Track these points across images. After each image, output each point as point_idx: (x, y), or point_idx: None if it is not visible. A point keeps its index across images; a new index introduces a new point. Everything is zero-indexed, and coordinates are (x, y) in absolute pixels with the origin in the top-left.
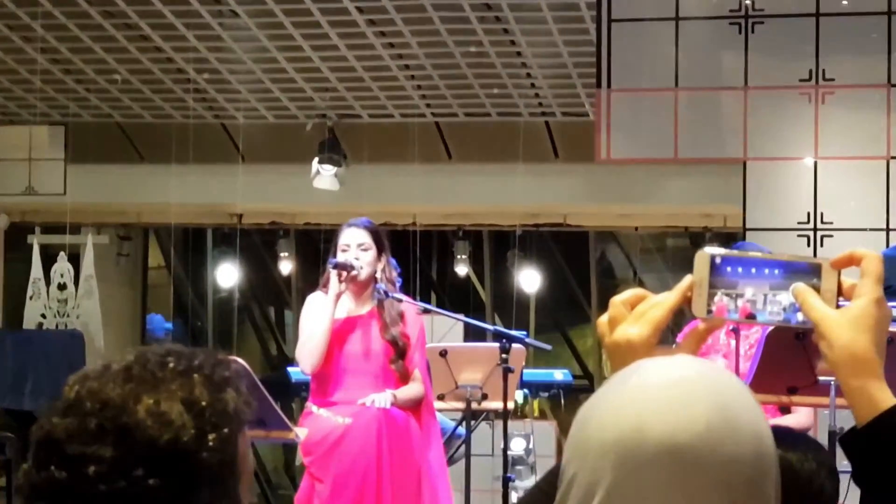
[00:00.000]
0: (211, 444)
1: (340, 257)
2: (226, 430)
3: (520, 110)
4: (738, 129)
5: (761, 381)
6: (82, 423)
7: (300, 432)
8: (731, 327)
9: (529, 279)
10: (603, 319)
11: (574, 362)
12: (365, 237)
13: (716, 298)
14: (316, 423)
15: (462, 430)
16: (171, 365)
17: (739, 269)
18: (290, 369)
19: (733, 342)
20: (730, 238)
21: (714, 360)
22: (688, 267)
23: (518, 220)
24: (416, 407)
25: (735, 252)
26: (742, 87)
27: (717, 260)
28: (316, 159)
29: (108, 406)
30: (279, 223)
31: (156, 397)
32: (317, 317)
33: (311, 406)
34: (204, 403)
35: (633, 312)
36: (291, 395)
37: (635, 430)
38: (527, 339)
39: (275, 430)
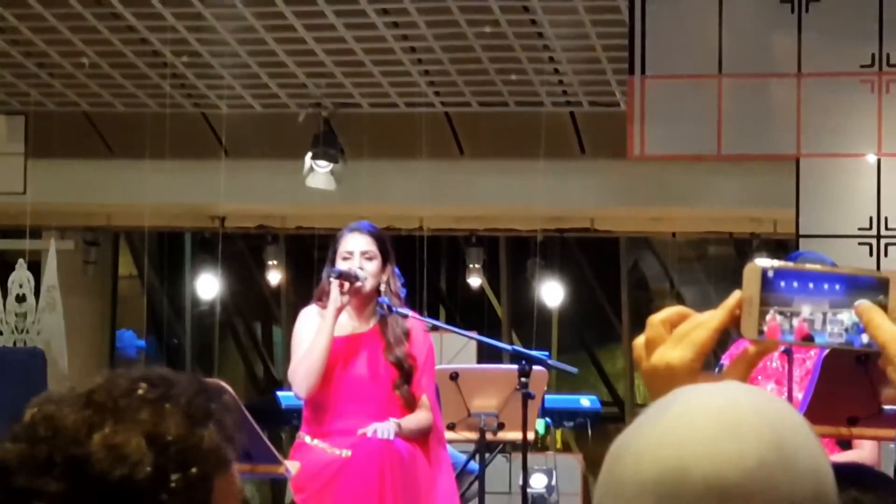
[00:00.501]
0: (173, 485)
1: (342, 266)
2: (194, 470)
3: (541, 99)
4: (791, 122)
5: (817, 411)
6: (33, 450)
7: (291, 466)
8: (783, 349)
9: (552, 292)
10: (639, 341)
11: (602, 387)
12: (370, 244)
13: (768, 317)
14: (309, 456)
15: (475, 464)
16: (140, 392)
17: (795, 284)
18: (279, 394)
19: (787, 366)
20: (780, 246)
21: (764, 388)
22: (732, 278)
23: (539, 225)
24: (423, 438)
25: (790, 264)
26: (795, 73)
27: (770, 273)
28: (309, 154)
29: (61, 434)
30: (267, 227)
31: (113, 428)
32: (313, 333)
33: (303, 436)
34: (170, 438)
35: (674, 333)
36: (281, 424)
37: (677, 466)
38: (549, 361)
39: (262, 463)
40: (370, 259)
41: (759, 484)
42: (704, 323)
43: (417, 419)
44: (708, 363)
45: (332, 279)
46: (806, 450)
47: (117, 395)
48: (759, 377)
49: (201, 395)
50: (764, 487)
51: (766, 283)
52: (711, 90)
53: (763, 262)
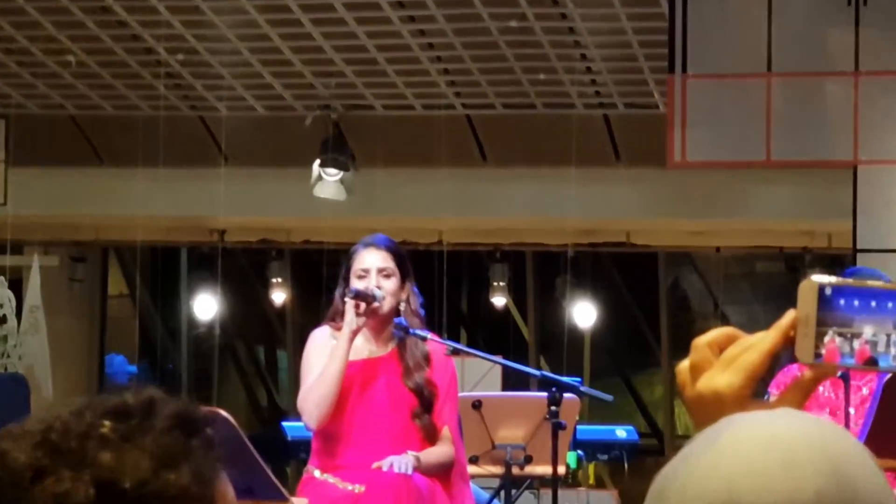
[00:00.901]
0: None
1: (358, 285)
2: None
3: (572, 101)
4: (848, 125)
5: (877, 442)
6: None
7: (299, 503)
8: (838, 374)
9: (584, 312)
10: (683, 366)
11: (640, 417)
12: (387, 260)
13: (826, 339)
14: (319, 492)
15: (499, 502)
16: (104, 430)
17: (856, 303)
18: (285, 424)
19: (840, 393)
20: (835, 261)
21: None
22: (782, 297)
23: (570, 239)
24: (444, 473)
25: (850, 281)
26: (852, 72)
27: (828, 291)
28: (317, 162)
29: (7, 477)
30: (271, 241)
31: (62, 475)
32: (326, 357)
33: (312, 470)
34: (126, 486)
35: (722, 357)
36: (287, 457)
37: (726, 501)
38: (581, 388)
39: (266, 499)
40: (388, 277)
41: None
42: (755, 346)
43: (438, 452)
44: (757, 392)
45: (347, 300)
46: (867, 483)
47: (75, 435)
48: (814, 406)
49: (178, 430)
50: None
51: (824, 301)
52: (760, 91)
53: (821, 278)
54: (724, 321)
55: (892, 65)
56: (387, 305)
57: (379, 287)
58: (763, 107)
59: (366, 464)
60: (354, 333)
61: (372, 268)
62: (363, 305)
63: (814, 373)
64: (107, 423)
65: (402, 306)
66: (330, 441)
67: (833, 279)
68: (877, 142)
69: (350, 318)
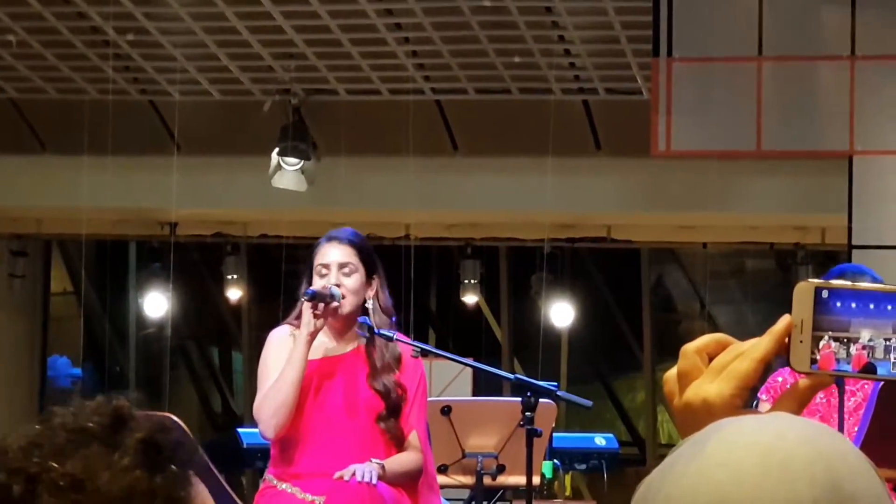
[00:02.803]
0: None
1: (317, 284)
2: None
3: (550, 86)
4: (843, 113)
5: (872, 449)
6: None
7: None
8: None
9: (561, 312)
10: (671, 374)
11: (620, 424)
12: (350, 256)
13: (822, 344)
14: (277, 503)
15: None
16: (54, 475)
17: (853, 305)
18: (240, 430)
19: (833, 400)
20: (829, 258)
21: None
22: (772, 297)
23: (546, 234)
24: (411, 483)
25: (848, 284)
26: (848, 56)
27: (825, 294)
28: (276, 150)
29: None
30: (226, 235)
31: None
32: (284, 361)
33: (270, 479)
34: None
35: (712, 365)
36: (242, 465)
37: None
38: (558, 392)
39: None
40: (349, 274)
41: None
42: (747, 353)
43: (405, 460)
44: (747, 401)
45: (304, 301)
46: (867, 494)
47: (24, 478)
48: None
49: (142, 466)
50: None
51: (820, 304)
52: (750, 76)
53: (816, 280)
54: (711, 322)
55: (890, 49)
56: (348, 305)
57: (338, 285)
58: (753, 93)
59: (327, 472)
60: (312, 336)
61: (332, 263)
62: (321, 306)
63: (810, 381)
64: (56, 465)
65: (371, 304)
66: (287, 448)
67: (834, 282)
68: (874, 131)
69: (307, 320)
